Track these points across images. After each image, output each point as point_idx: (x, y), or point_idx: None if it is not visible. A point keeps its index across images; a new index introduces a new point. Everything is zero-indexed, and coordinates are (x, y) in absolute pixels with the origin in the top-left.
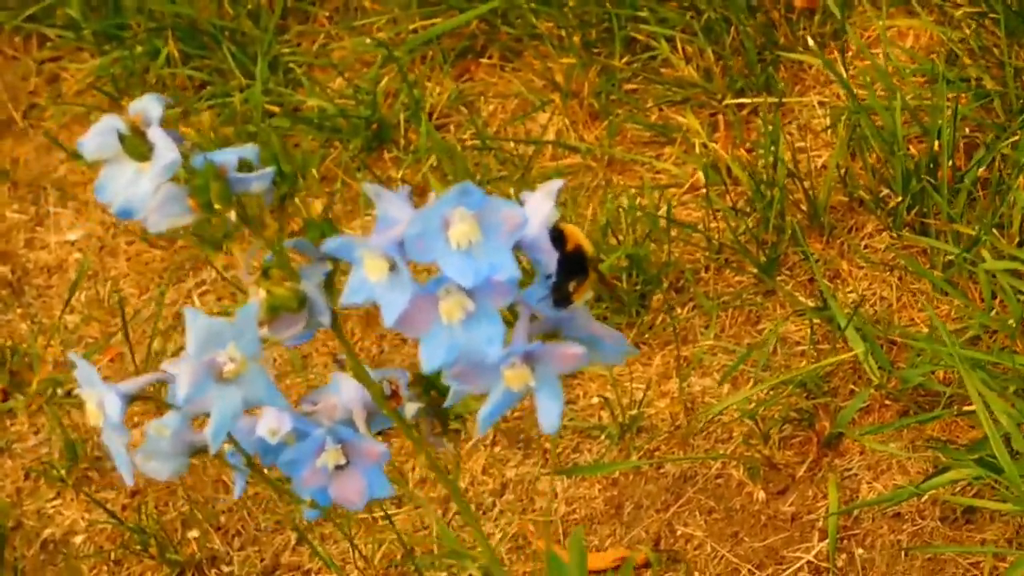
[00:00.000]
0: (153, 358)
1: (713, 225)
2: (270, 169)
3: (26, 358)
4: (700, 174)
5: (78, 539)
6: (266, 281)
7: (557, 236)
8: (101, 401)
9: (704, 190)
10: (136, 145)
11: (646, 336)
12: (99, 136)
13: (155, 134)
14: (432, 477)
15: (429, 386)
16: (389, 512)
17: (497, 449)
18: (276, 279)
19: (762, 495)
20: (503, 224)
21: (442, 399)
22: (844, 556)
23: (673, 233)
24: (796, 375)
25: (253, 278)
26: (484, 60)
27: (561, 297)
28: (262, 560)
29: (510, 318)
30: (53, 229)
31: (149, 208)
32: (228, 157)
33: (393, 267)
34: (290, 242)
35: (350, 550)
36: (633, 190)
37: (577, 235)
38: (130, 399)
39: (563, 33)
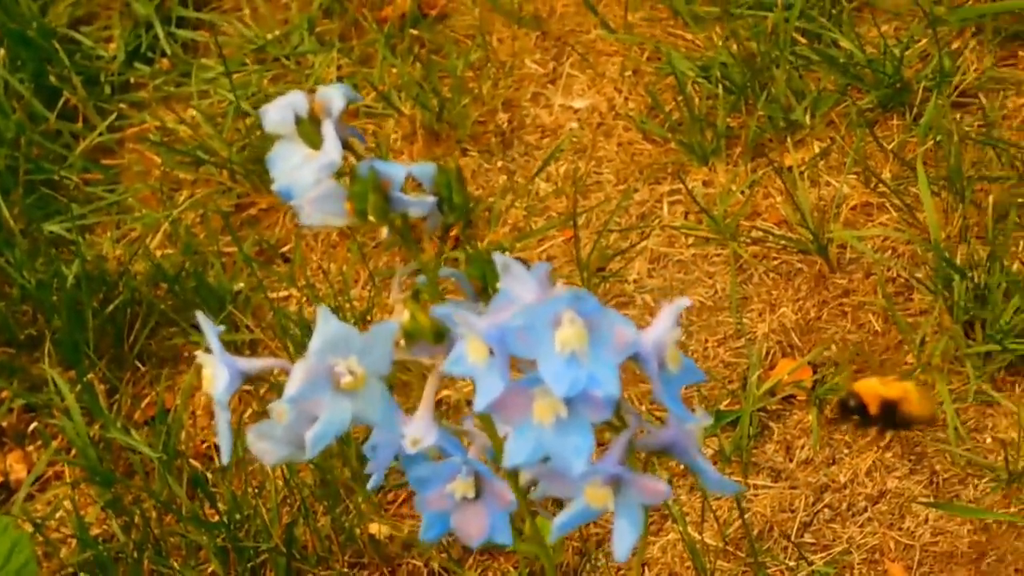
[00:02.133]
0: (598, 252)
1: None
2: (431, 198)
3: (487, 212)
4: None
5: None
6: (413, 304)
7: (856, 404)
8: (214, 372)
9: None
10: (309, 132)
11: None
12: (281, 110)
13: (327, 128)
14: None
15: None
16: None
17: (888, 455)
18: (424, 305)
19: None
20: (613, 338)
21: None
22: None
23: None
24: None
25: (403, 296)
26: None
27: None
28: None
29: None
30: (562, 91)
31: (306, 198)
32: (396, 172)
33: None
34: (448, 271)
35: None
36: None
37: (875, 390)
38: (244, 377)
39: None
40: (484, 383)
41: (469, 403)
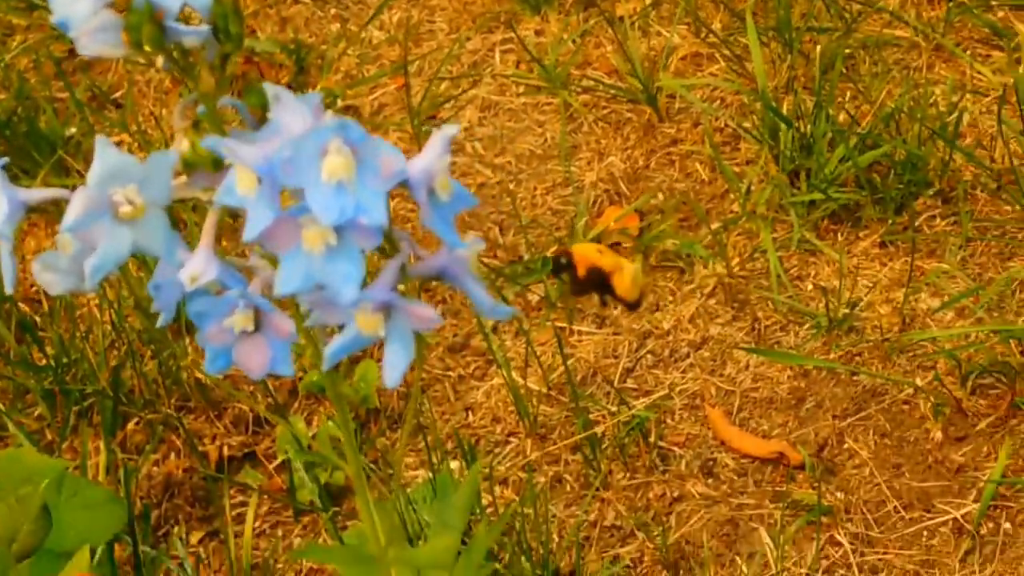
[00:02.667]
0: (429, 100)
1: (1002, 146)
2: (205, 28)
3: (320, 60)
4: (1015, 91)
5: None
6: (193, 133)
7: (567, 262)
8: None
9: (1011, 106)
10: None
11: (896, 238)
12: None
13: None
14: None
15: None
16: None
17: (712, 302)
18: (204, 135)
19: (939, 436)
20: (381, 166)
21: None
22: (991, 524)
23: (963, 141)
24: (1020, 328)
25: (184, 125)
26: None
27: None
28: None
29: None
30: None
31: (83, 30)
32: (171, 3)
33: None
34: (227, 99)
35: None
36: (944, 85)
37: (588, 256)
38: (26, 208)
39: None
40: (253, 213)
41: None
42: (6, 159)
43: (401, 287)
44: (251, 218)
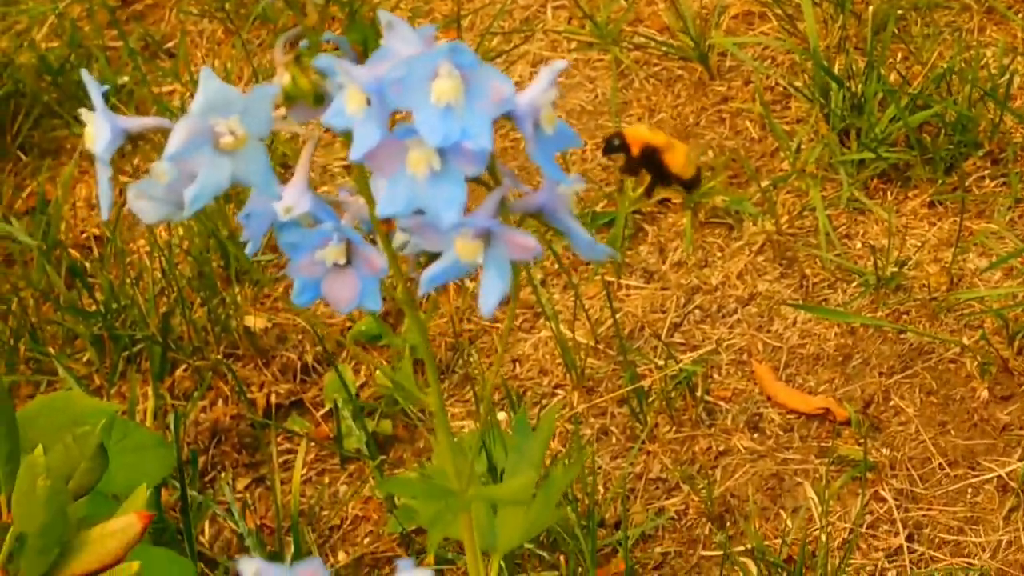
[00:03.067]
0: (481, 55)
1: None
2: None
3: (371, 13)
4: None
5: None
6: (295, 67)
7: (620, 143)
8: (96, 129)
9: None
10: None
11: (945, 198)
12: None
13: None
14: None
15: None
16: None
17: (760, 259)
18: (306, 69)
19: (985, 394)
20: (489, 93)
21: None
22: None
23: (1014, 103)
24: None
25: (285, 59)
26: None
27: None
28: None
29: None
30: None
31: None
32: None
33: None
34: (329, 35)
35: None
36: (995, 48)
37: (641, 136)
38: (125, 135)
39: None
40: (360, 133)
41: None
42: (106, 86)
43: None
44: (358, 137)
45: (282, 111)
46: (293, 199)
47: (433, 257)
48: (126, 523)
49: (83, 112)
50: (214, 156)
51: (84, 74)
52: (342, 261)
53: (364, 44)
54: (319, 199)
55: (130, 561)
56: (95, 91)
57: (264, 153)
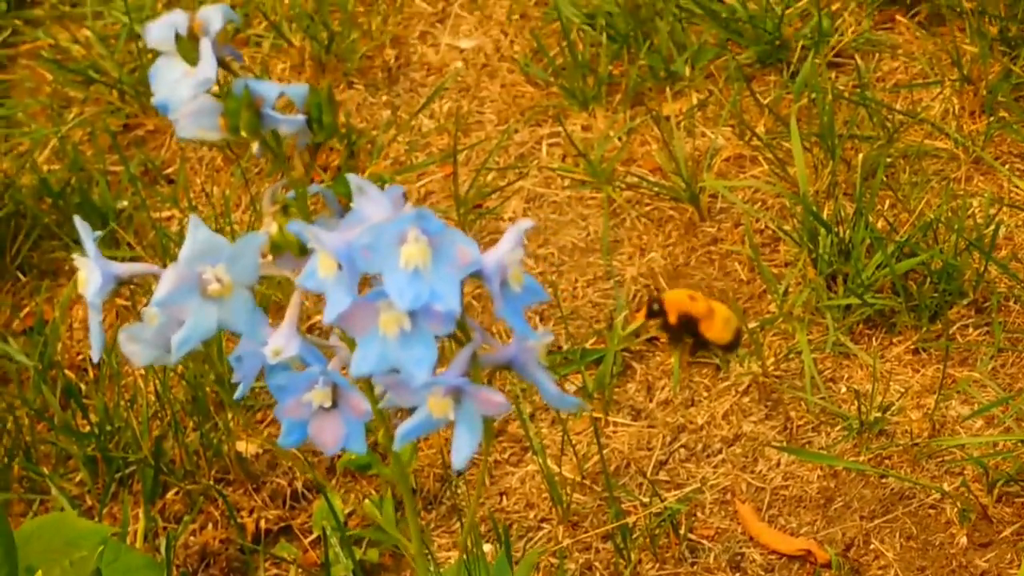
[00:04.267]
0: (476, 190)
1: None
2: (301, 117)
3: (370, 145)
4: None
5: None
6: (282, 217)
7: (659, 309)
8: (88, 274)
9: None
10: (187, 49)
11: (929, 345)
12: (163, 28)
13: (204, 46)
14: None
15: None
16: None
17: (746, 399)
18: (292, 219)
19: (964, 541)
20: (456, 257)
21: None
22: None
23: (999, 253)
24: None
25: (273, 209)
26: (908, 16)
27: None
28: None
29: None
30: (450, 31)
31: (182, 112)
32: (269, 91)
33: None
34: (316, 187)
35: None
36: (981, 198)
37: (679, 303)
38: (117, 280)
39: (984, 19)
40: (332, 296)
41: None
42: (98, 233)
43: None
44: (330, 301)
45: (269, 258)
46: (282, 343)
47: (410, 409)
48: None
49: (76, 257)
50: (201, 303)
51: (77, 220)
52: (328, 404)
53: (349, 197)
54: (307, 343)
55: None
56: (87, 237)
57: (251, 300)
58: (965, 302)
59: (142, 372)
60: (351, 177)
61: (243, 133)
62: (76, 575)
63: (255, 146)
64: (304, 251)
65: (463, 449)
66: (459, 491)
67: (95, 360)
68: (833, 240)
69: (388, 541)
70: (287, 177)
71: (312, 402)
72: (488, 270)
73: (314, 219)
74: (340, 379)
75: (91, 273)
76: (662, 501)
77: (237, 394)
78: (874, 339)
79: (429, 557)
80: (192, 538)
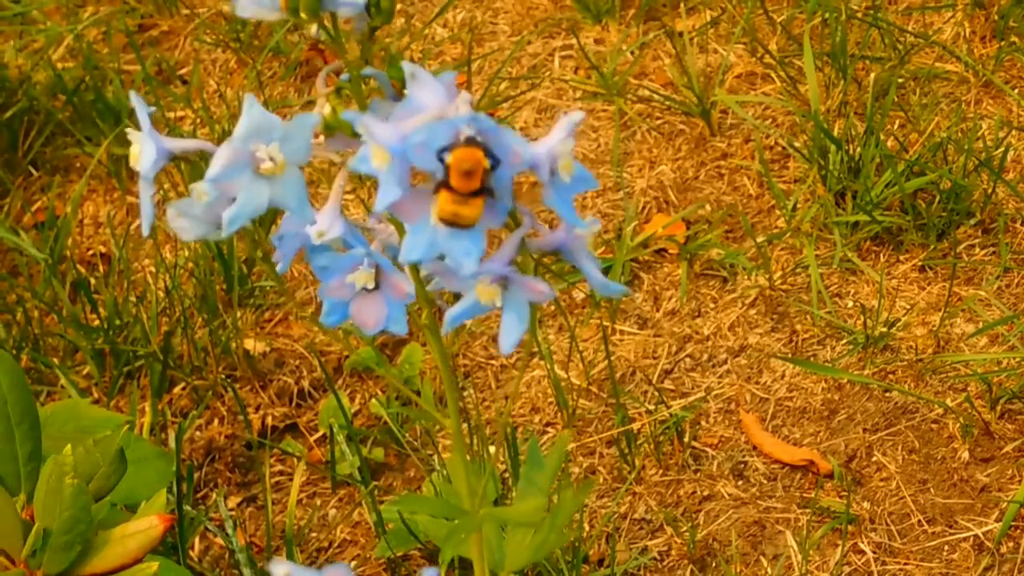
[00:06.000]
0: (488, 99)
1: None
2: (361, 1)
3: (383, 52)
4: None
5: None
6: (335, 99)
7: None
8: (142, 148)
9: None
10: None
11: (936, 263)
12: None
13: None
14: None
15: None
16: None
17: (752, 312)
18: (346, 100)
19: (966, 455)
20: (508, 156)
21: None
22: (1011, 544)
23: (1007, 175)
24: None
25: (327, 91)
26: None
27: None
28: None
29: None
30: None
31: None
32: None
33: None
34: (370, 71)
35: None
36: (991, 120)
37: None
38: (170, 156)
39: None
40: (384, 187)
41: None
42: (153, 108)
43: (519, 259)
44: (382, 191)
45: (321, 139)
46: (326, 224)
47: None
48: (147, 524)
49: (130, 131)
50: (253, 180)
51: (132, 94)
52: (371, 285)
53: (402, 81)
54: (351, 225)
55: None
56: (143, 112)
57: (301, 179)
58: (972, 222)
59: (152, 269)
60: (404, 63)
61: (302, 15)
62: (99, 455)
63: (312, 27)
64: (357, 133)
65: (512, 333)
66: (467, 394)
67: (145, 234)
68: (843, 157)
69: (427, 420)
70: (343, 59)
71: (355, 283)
72: (539, 159)
73: (368, 102)
74: (384, 261)
75: (145, 147)
76: (667, 409)
77: (279, 269)
78: (881, 256)
79: (435, 457)
80: (198, 433)
